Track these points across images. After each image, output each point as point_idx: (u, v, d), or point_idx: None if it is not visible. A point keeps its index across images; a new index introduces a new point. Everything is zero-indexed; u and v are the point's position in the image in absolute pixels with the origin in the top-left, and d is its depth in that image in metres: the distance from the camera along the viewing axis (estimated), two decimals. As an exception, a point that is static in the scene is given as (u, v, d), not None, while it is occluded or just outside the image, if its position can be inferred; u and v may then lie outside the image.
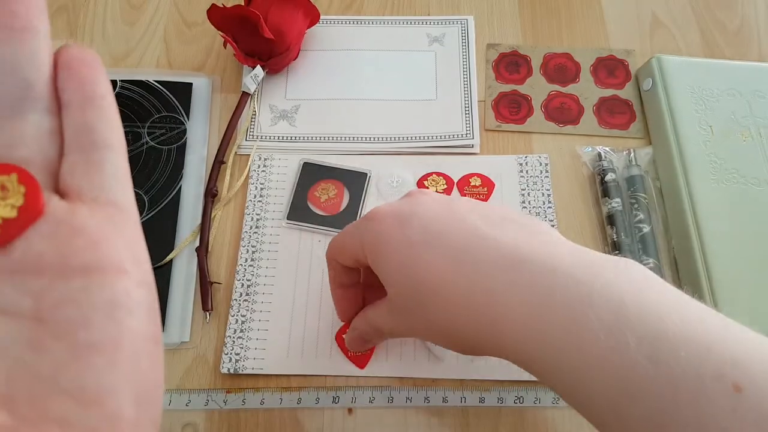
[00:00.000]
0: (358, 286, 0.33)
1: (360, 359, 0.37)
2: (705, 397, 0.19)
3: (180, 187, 0.43)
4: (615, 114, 0.47)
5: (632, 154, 0.44)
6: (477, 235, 0.25)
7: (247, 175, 0.43)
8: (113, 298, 0.16)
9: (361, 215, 0.42)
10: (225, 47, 0.48)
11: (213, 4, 0.44)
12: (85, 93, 0.17)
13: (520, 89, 0.48)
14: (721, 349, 0.20)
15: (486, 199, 0.42)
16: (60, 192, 0.17)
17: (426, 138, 0.45)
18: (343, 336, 0.37)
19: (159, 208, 0.42)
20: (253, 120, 0.46)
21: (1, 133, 0.16)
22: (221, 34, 0.45)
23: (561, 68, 0.48)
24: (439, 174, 0.43)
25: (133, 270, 0.16)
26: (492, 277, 0.24)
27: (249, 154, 0.44)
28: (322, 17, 0.47)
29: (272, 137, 0.45)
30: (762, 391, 0.19)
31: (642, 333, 0.20)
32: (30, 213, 0.16)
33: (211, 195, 0.42)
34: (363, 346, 0.35)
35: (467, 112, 0.46)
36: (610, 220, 0.41)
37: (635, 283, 0.23)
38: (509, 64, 0.49)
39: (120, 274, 0.16)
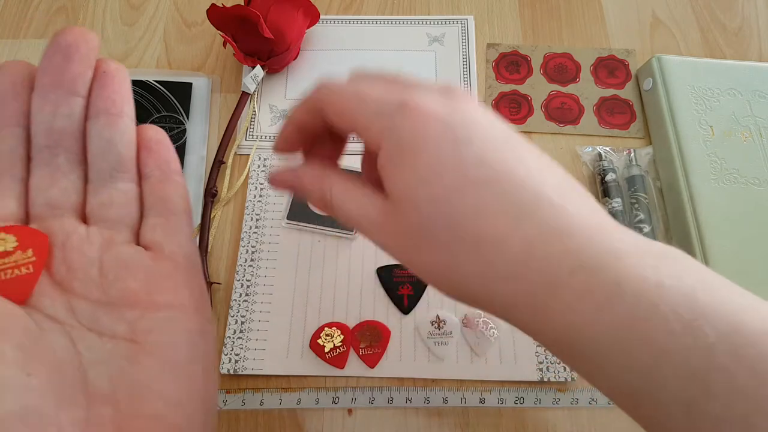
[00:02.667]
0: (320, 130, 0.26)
1: (370, 359, 0.36)
2: None
3: (179, 187, 0.42)
4: (615, 114, 0.46)
5: (632, 154, 0.44)
6: (544, 198, 0.21)
7: (247, 175, 0.43)
8: (191, 328, 0.21)
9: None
10: (225, 47, 0.48)
11: (213, 4, 0.44)
12: (163, 170, 0.23)
13: (520, 89, 0.47)
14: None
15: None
16: (142, 245, 0.22)
17: (426, 138, 0.44)
18: (318, 341, 0.37)
19: (158, 208, 0.41)
20: (252, 120, 0.46)
21: (99, 196, 0.22)
22: (221, 33, 0.45)
23: (561, 68, 0.48)
24: (439, 174, 0.43)
25: (203, 309, 0.22)
26: (557, 249, 0.20)
27: (249, 154, 0.44)
28: (321, 17, 0.47)
29: (272, 137, 0.45)
30: None
31: (720, 328, 0.19)
32: (40, 265, 0.19)
33: (210, 195, 0.42)
34: (287, 190, 0.28)
35: (467, 112, 0.46)
36: (611, 220, 0.41)
37: (699, 270, 0.21)
38: (509, 64, 0.49)
39: (193, 312, 0.21)
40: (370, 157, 0.27)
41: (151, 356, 0.20)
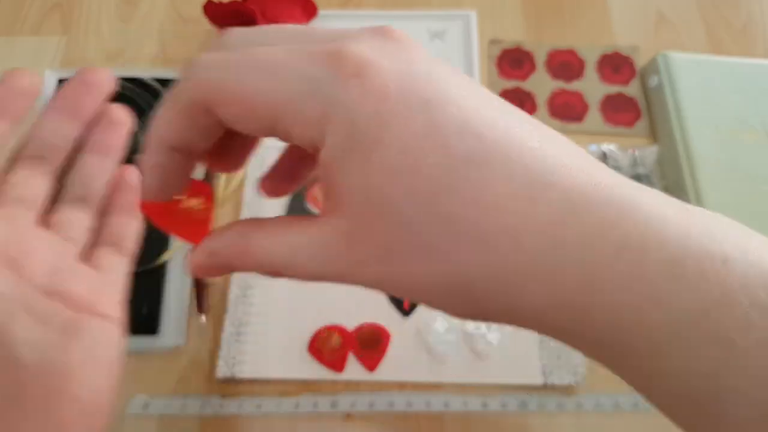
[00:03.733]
0: (197, 155, 0.19)
1: (370, 362, 0.36)
2: None
3: (175, 186, 0.42)
4: (620, 111, 0.46)
5: (638, 153, 0.43)
6: (556, 162, 0.16)
7: (244, 175, 0.43)
8: (119, 343, 0.23)
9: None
10: (222, 43, 0.47)
11: (209, 0, 0.43)
12: (126, 210, 0.26)
13: (523, 86, 0.47)
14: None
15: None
16: (91, 265, 0.24)
17: (427, 136, 0.44)
18: (316, 344, 0.36)
19: (154, 207, 0.41)
20: (250, 118, 0.45)
21: (62, 213, 0.24)
22: (218, 29, 0.44)
23: (565, 65, 0.47)
24: (440, 173, 0.42)
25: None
26: (595, 223, 0.15)
27: (246, 153, 0.43)
28: (320, 12, 0.47)
29: (270, 135, 0.44)
30: None
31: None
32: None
33: (207, 194, 0.41)
34: (214, 274, 0.20)
35: (469, 109, 0.45)
36: (616, 220, 0.40)
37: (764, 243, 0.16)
38: (512, 60, 0.48)
39: (122, 330, 0.24)
40: (293, 162, 0.22)
41: (80, 349, 0.21)
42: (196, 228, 0.21)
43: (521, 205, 0.15)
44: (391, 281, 0.17)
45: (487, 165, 0.16)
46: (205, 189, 0.22)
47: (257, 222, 0.19)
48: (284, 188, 0.24)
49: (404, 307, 0.37)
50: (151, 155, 0.18)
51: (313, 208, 0.41)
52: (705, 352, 0.15)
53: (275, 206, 0.41)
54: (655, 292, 0.15)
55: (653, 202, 0.16)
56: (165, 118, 0.18)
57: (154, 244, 0.39)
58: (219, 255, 0.19)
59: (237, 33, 0.18)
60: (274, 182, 0.24)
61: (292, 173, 0.24)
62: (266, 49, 0.16)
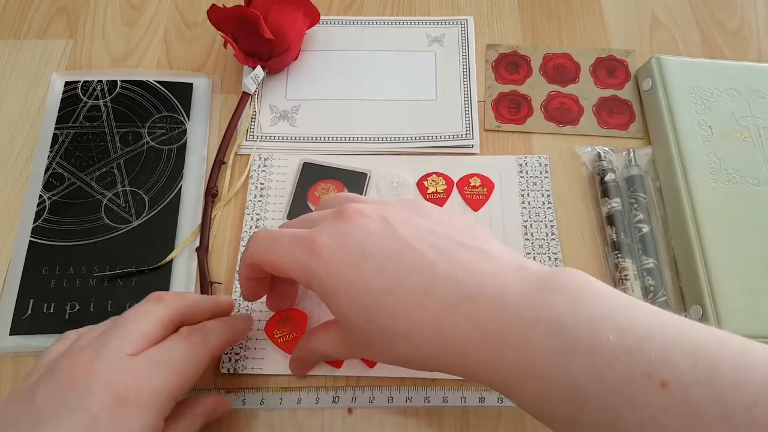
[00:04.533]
0: (267, 279, 0.33)
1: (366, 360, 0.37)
2: (640, 400, 0.21)
3: (180, 187, 0.43)
4: (614, 114, 0.47)
5: (632, 154, 0.44)
6: (434, 275, 0.26)
7: (248, 175, 0.43)
8: None
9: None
10: (225, 47, 0.48)
11: (213, 5, 0.44)
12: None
13: (519, 89, 0.48)
14: (648, 348, 0.21)
15: (486, 200, 0.42)
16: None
17: (426, 138, 0.45)
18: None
19: (159, 208, 0.42)
20: (253, 120, 0.46)
21: None
22: (221, 34, 0.45)
23: (561, 68, 0.48)
24: (438, 174, 0.43)
25: None
26: (455, 317, 0.25)
27: (249, 154, 0.44)
28: (322, 18, 0.47)
29: (272, 137, 0.45)
30: (686, 384, 0.20)
31: (580, 351, 0.22)
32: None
33: (211, 195, 0.42)
34: (307, 370, 0.36)
35: (467, 112, 0.46)
36: (610, 220, 0.41)
37: (573, 300, 0.24)
38: (509, 65, 0.49)
39: None
40: (289, 284, 0.35)
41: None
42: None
43: (417, 312, 0.26)
44: (376, 359, 0.33)
45: (391, 292, 0.26)
46: (301, 319, 0.37)
47: (310, 332, 0.32)
48: (286, 302, 0.37)
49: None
50: (241, 280, 0.32)
51: (314, 207, 0.42)
52: (526, 382, 0.24)
53: (278, 205, 0.42)
54: (495, 348, 0.25)
55: (499, 282, 0.26)
56: (243, 265, 0.31)
57: (159, 243, 0.40)
58: (300, 359, 0.34)
59: (284, 225, 0.32)
60: (274, 301, 0.36)
61: (289, 293, 0.37)
62: (282, 233, 0.29)
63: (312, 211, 0.41)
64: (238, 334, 0.34)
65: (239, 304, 0.38)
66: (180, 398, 0.29)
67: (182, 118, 0.45)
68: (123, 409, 0.25)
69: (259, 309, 0.38)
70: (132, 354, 0.27)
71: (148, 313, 0.29)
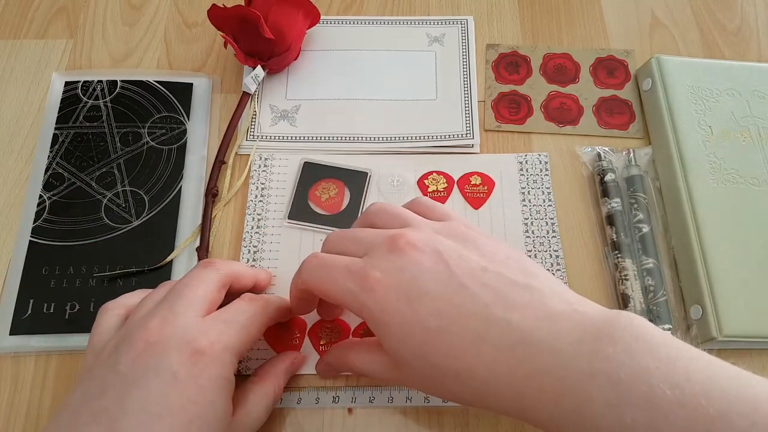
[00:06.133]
0: (314, 299, 0.34)
1: None
2: None
3: (180, 187, 0.43)
4: (614, 114, 0.47)
5: (632, 154, 0.44)
6: (489, 318, 0.26)
7: (248, 175, 0.43)
8: None
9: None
10: (225, 47, 0.48)
11: (213, 4, 0.44)
12: None
13: (519, 89, 0.48)
14: (706, 405, 0.21)
15: (486, 198, 0.42)
16: None
17: (426, 138, 0.45)
18: (318, 333, 0.38)
19: (159, 208, 0.42)
20: (253, 120, 0.46)
21: None
22: (221, 34, 0.45)
23: (560, 68, 0.48)
24: (439, 173, 0.43)
25: None
26: (511, 362, 0.25)
27: (249, 154, 0.44)
28: (322, 18, 0.47)
29: (273, 137, 0.45)
30: None
31: (637, 404, 0.22)
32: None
33: (211, 195, 0.42)
34: (336, 376, 0.36)
35: (467, 112, 0.46)
36: (610, 220, 0.41)
37: (628, 350, 0.23)
38: (509, 65, 0.49)
39: None
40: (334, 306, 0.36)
41: None
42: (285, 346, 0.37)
43: (471, 354, 0.26)
44: (422, 391, 0.33)
45: (448, 332, 0.26)
46: (299, 324, 0.38)
47: (351, 345, 0.33)
48: (335, 313, 0.37)
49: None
50: (292, 299, 0.34)
51: (316, 208, 0.42)
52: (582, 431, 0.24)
53: (279, 204, 0.42)
54: (554, 401, 0.24)
55: (554, 330, 0.25)
56: (294, 288, 0.32)
57: (160, 243, 0.40)
58: (331, 364, 0.35)
59: (330, 240, 0.32)
60: (325, 311, 0.36)
61: (338, 307, 0.37)
62: (334, 262, 0.30)
63: (314, 211, 0.42)
64: (288, 312, 0.35)
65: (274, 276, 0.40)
66: (245, 355, 0.34)
67: (182, 118, 0.45)
68: (199, 363, 0.28)
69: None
70: (199, 316, 0.29)
71: (204, 279, 0.31)
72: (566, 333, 0.25)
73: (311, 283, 0.30)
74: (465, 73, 0.48)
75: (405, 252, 0.28)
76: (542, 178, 0.43)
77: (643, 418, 0.22)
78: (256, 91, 0.46)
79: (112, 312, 0.32)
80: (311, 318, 0.38)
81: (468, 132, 0.45)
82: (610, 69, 0.49)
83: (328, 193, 0.42)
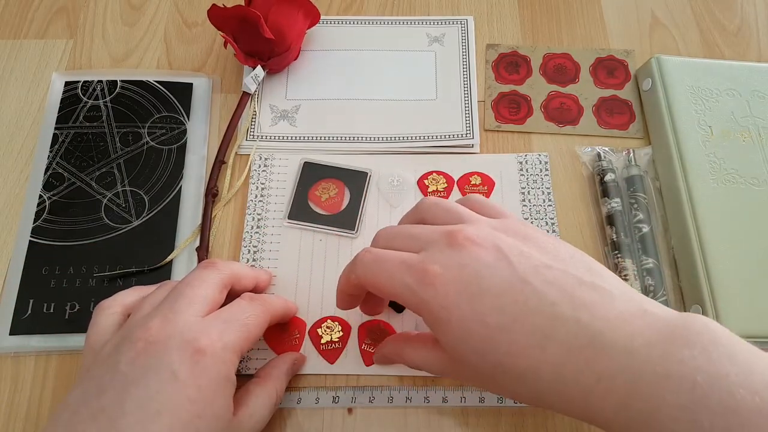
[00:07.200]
0: (361, 295, 0.33)
1: (369, 357, 0.37)
2: None
3: (180, 187, 0.43)
4: (614, 114, 0.47)
5: (632, 154, 0.44)
6: (556, 317, 0.25)
7: (248, 174, 0.43)
8: None
9: (362, 215, 0.42)
10: (225, 47, 0.48)
11: (213, 4, 0.44)
12: None
13: (519, 89, 0.48)
14: None
15: (486, 197, 0.42)
16: None
17: (426, 138, 0.45)
18: (318, 331, 0.38)
19: (159, 208, 0.42)
20: (253, 120, 0.46)
21: None
22: (221, 34, 0.45)
23: (560, 68, 0.48)
24: (439, 173, 0.43)
25: None
26: (579, 362, 0.24)
27: (249, 154, 0.44)
28: (322, 18, 0.47)
29: (273, 137, 0.45)
30: None
31: (714, 409, 0.21)
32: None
33: (211, 195, 0.42)
34: (390, 364, 0.36)
35: (467, 112, 0.46)
36: (610, 220, 0.41)
37: (705, 354, 0.23)
38: (509, 65, 0.49)
39: None
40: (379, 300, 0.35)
41: None
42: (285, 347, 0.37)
43: (536, 353, 0.25)
44: (480, 388, 0.33)
45: (511, 330, 0.25)
46: (299, 325, 0.38)
47: (407, 339, 0.32)
48: (378, 310, 0.36)
49: (397, 304, 0.38)
50: (339, 293, 0.33)
51: (316, 208, 0.42)
52: None
53: (279, 204, 0.42)
54: (622, 404, 0.23)
55: (627, 331, 0.24)
56: (345, 282, 0.32)
57: (160, 243, 0.40)
58: (386, 356, 0.34)
59: (382, 235, 0.31)
60: (369, 307, 0.35)
61: (382, 303, 0.36)
62: (390, 257, 0.29)
63: (314, 211, 0.42)
64: (288, 312, 0.36)
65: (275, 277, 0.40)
66: (245, 354, 0.34)
67: (182, 118, 0.45)
68: (200, 362, 0.28)
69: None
70: (200, 315, 0.29)
71: (205, 279, 0.31)
72: (638, 334, 0.24)
73: (366, 278, 0.29)
74: (465, 73, 0.48)
75: (464, 247, 0.27)
76: (542, 178, 0.43)
77: (721, 424, 0.21)
78: (256, 91, 0.46)
79: (109, 311, 0.32)
80: (311, 318, 0.38)
81: (468, 132, 0.45)
82: (610, 69, 0.49)
83: (328, 193, 0.42)
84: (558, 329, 0.25)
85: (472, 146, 0.45)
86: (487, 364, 0.26)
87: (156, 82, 0.46)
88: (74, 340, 0.37)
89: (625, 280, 0.39)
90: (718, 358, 0.22)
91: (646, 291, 0.39)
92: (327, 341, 0.37)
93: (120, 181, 0.42)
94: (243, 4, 0.44)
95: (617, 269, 0.39)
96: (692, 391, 0.22)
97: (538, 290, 0.26)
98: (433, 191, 0.43)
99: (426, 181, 0.43)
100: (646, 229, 0.41)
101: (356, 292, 0.32)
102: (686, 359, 0.23)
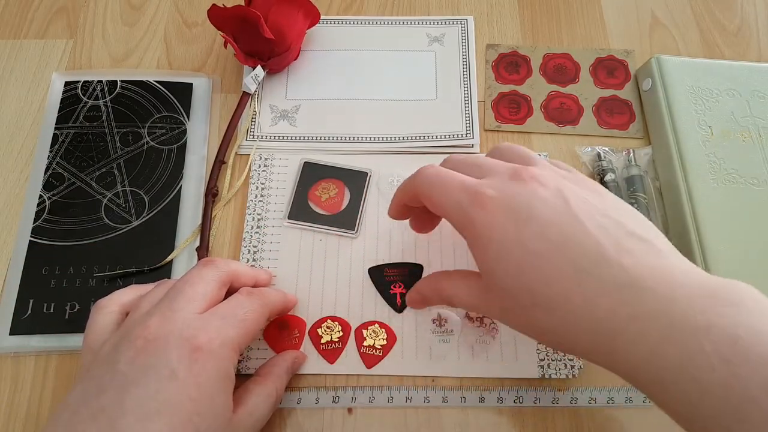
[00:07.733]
0: (414, 208, 0.34)
1: (369, 359, 0.37)
2: None
3: (180, 187, 0.43)
4: (614, 114, 0.47)
5: (631, 154, 0.44)
6: (600, 256, 0.25)
7: (248, 174, 0.43)
8: None
9: (362, 215, 0.42)
10: (225, 47, 0.48)
11: (213, 5, 0.44)
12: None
13: (519, 89, 0.48)
14: None
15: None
16: None
17: (426, 138, 0.45)
18: (318, 331, 0.37)
19: (159, 208, 0.42)
20: (253, 120, 0.46)
21: None
22: (221, 34, 0.45)
23: (560, 68, 0.48)
24: (439, 174, 0.43)
25: None
26: (614, 301, 0.24)
27: (249, 154, 0.44)
28: (322, 18, 0.47)
29: (273, 137, 0.45)
30: None
31: (755, 362, 0.21)
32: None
33: (211, 195, 0.42)
34: (423, 307, 0.36)
35: (467, 112, 0.46)
36: (610, 219, 0.41)
37: (748, 312, 0.23)
38: (509, 65, 0.49)
39: None
40: (432, 216, 0.35)
41: None
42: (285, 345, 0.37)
43: (570, 285, 0.25)
44: (509, 324, 0.29)
45: (550, 258, 0.25)
46: (299, 324, 0.38)
47: (445, 273, 0.33)
48: (426, 229, 0.37)
49: (397, 304, 0.38)
50: (395, 201, 0.34)
51: (316, 208, 0.42)
52: (688, 389, 0.22)
53: (279, 204, 0.42)
54: (652, 349, 0.23)
55: (670, 281, 0.24)
56: (402, 191, 0.33)
57: (160, 243, 0.40)
58: (422, 292, 0.34)
59: (452, 159, 0.32)
60: (419, 224, 0.37)
61: (431, 222, 0.37)
62: (451, 175, 0.29)
63: (314, 211, 0.42)
64: (287, 305, 0.37)
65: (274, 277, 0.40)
66: (244, 349, 0.33)
67: (182, 118, 0.45)
68: (198, 359, 0.28)
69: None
70: (198, 312, 0.29)
71: (204, 276, 0.31)
72: (680, 285, 0.24)
73: (422, 189, 0.30)
74: (465, 73, 0.48)
75: (527, 182, 0.27)
76: (542, 178, 0.43)
77: (762, 378, 0.21)
78: (256, 91, 0.46)
79: (107, 310, 0.32)
80: (311, 318, 0.38)
81: (468, 132, 0.45)
82: (610, 69, 0.49)
83: (328, 193, 0.42)
84: (599, 266, 0.25)
85: (472, 146, 0.45)
86: (521, 289, 0.26)
87: (156, 82, 0.46)
88: (74, 340, 0.37)
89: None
90: (760, 314, 0.22)
91: (646, 291, 0.39)
92: (327, 341, 0.37)
93: (120, 181, 0.42)
94: (243, 4, 0.44)
95: (617, 269, 0.39)
96: (734, 344, 0.22)
97: (588, 229, 0.26)
98: (433, 191, 0.43)
99: (426, 181, 0.43)
100: (646, 229, 0.40)
101: (411, 203, 0.32)
102: (728, 314, 0.22)
